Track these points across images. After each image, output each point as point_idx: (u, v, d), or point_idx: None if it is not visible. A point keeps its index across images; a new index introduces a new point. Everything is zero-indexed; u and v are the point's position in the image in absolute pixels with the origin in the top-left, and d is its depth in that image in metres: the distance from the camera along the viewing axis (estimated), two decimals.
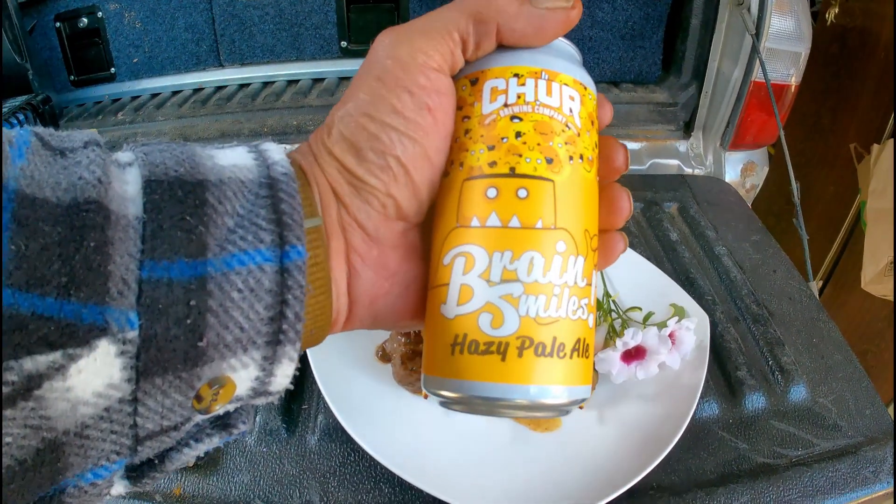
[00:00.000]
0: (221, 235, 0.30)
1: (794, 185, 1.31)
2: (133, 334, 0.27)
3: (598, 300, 0.94)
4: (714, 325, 0.98)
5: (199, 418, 0.32)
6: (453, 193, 0.38)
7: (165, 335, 0.28)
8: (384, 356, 0.87)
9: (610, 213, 0.41)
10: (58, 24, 1.76)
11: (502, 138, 0.37)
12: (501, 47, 0.39)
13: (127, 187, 0.29)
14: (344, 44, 1.78)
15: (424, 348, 0.39)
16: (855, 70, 2.10)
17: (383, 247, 0.38)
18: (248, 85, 1.81)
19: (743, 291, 1.08)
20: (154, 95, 1.82)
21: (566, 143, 0.38)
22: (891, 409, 1.98)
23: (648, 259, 1.07)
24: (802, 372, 0.93)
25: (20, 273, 0.25)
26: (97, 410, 0.27)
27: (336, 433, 0.81)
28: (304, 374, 0.88)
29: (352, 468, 0.79)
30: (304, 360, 0.85)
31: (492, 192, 0.37)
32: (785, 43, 1.41)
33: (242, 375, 0.31)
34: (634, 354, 0.84)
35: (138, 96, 1.83)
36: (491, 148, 0.37)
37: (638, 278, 1.01)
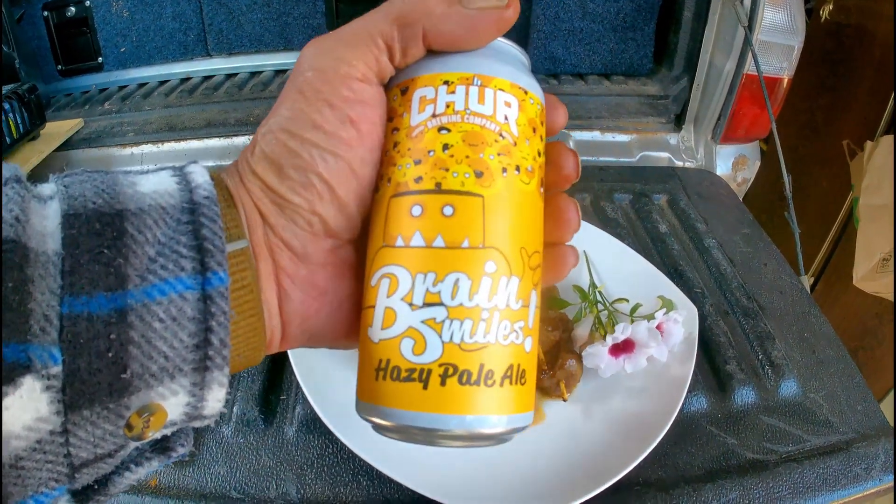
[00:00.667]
0: (142, 265, 0.30)
1: (787, 177, 1.30)
2: (57, 369, 0.27)
3: (583, 291, 0.92)
4: (703, 318, 0.96)
5: (133, 444, 0.32)
6: (381, 210, 0.36)
7: (89, 369, 0.28)
8: None
9: (557, 226, 0.39)
10: (45, 14, 1.75)
11: (429, 151, 0.35)
12: (434, 53, 0.37)
13: (46, 222, 0.29)
14: None
15: (357, 371, 0.37)
16: (849, 67, 2.10)
17: (312, 265, 0.37)
18: (236, 75, 1.80)
19: (733, 284, 1.06)
20: (141, 85, 1.81)
21: (499, 154, 0.35)
22: (885, 405, 1.98)
23: (636, 251, 1.06)
24: (793, 366, 0.91)
25: None
26: (29, 443, 0.27)
27: (314, 424, 0.80)
28: (282, 364, 0.87)
29: (329, 460, 0.77)
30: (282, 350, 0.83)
31: (417, 210, 0.35)
32: (778, 36, 1.40)
33: (173, 402, 0.31)
34: (623, 348, 0.82)
35: (126, 86, 1.82)
36: (418, 162, 0.35)
37: (625, 269, 1.00)
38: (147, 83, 1.81)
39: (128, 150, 1.55)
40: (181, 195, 0.32)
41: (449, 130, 0.35)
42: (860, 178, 1.81)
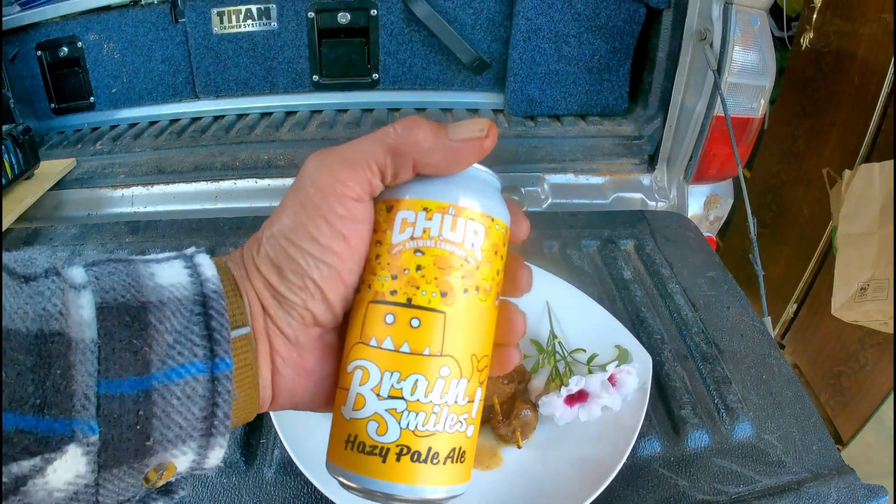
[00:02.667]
0: (162, 351, 0.37)
1: (751, 220, 1.35)
2: (94, 438, 0.34)
3: (540, 345, 0.99)
4: (660, 365, 1.01)
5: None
6: (360, 311, 0.43)
7: (120, 437, 0.35)
8: None
9: (506, 332, 0.47)
10: (39, 53, 1.82)
11: (405, 269, 0.42)
12: (419, 175, 0.43)
13: (83, 312, 0.36)
14: (316, 77, 1.84)
15: (329, 436, 0.44)
16: (830, 92, 2.15)
17: (302, 350, 0.44)
18: (223, 117, 1.87)
19: (693, 329, 1.11)
20: (132, 125, 1.88)
21: (463, 277, 0.43)
22: (871, 426, 2.00)
23: (601, 297, 1.11)
24: (749, 409, 0.95)
25: (3, 396, 0.31)
26: (68, 494, 0.34)
27: (291, 467, 0.84)
28: None
29: (306, 499, 0.82)
30: None
31: (390, 318, 0.42)
32: (748, 77, 1.45)
33: (182, 460, 0.38)
34: (577, 398, 0.88)
35: (117, 125, 1.89)
36: (394, 277, 0.42)
37: (585, 320, 1.05)
38: (137, 123, 1.88)
39: (119, 192, 1.62)
40: (193, 287, 0.40)
41: (423, 253, 0.42)
42: (839, 205, 1.84)
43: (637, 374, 0.90)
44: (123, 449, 0.35)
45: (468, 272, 0.43)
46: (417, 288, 0.42)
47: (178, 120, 1.87)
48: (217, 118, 1.86)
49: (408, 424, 0.41)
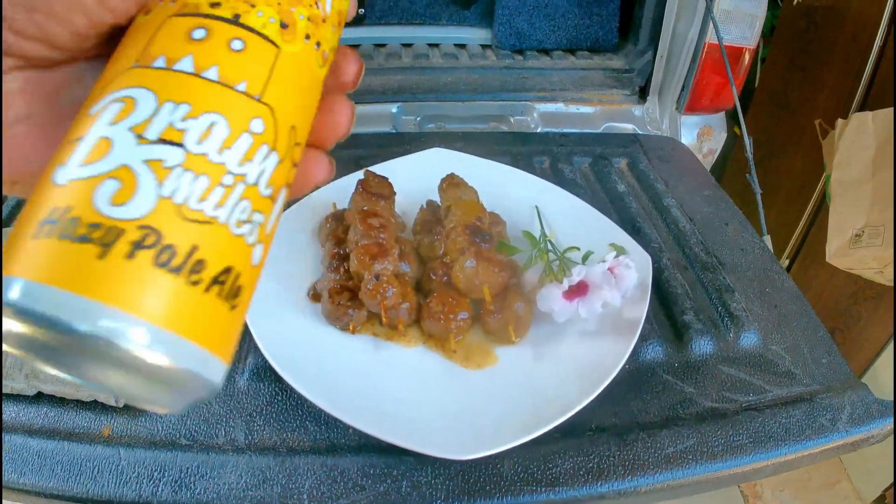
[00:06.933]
0: None
1: (747, 140, 1.28)
2: None
3: (533, 238, 0.90)
4: (660, 271, 0.94)
5: None
6: (146, 29, 0.28)
7: None
8: (315, 296, 0.83)
9: (324, 125, 0.34)
10: None
11: None
12: None
13: None
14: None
15: (13, 232, 0.25)
16: (821, 45, 2.09)
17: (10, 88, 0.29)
18: None
19: (692, 240, 1.03)
20: None
21: (308, 20, 0.30)
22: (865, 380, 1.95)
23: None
24: (754, 319, 0.88)
25: None
26: None
27: (264, 373, 0.78)
28: None
29: (278, 407, 0.75)
30: None
31: (199, 33, 0.27)
32: (741, 4, 1.37)
33: None
34: (577, 290, 0.80)
35: None
36: None
37: (578, 221, 0.97)
38: None
39: None
40: None
41: None
42: (832, 155, 1.79)
43: (635, 269, 0.82)
44: None
45: (315, 17, 0.31)
46: (253, 6, 0.28)
47: None
48: None
49: (174, 192, 0.24)
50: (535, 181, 1.06)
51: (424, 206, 0.96)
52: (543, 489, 0.68)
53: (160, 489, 0.68)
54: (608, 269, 0.80)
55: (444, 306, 0.78)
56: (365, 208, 0.84)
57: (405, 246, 0.86)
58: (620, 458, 0.71)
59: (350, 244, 0.83)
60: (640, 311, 0.81)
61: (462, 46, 1.73)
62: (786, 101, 2.29)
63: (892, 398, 0.78)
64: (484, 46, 1.74)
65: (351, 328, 0.79)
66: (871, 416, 0.76)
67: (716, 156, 1.60)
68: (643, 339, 0.82)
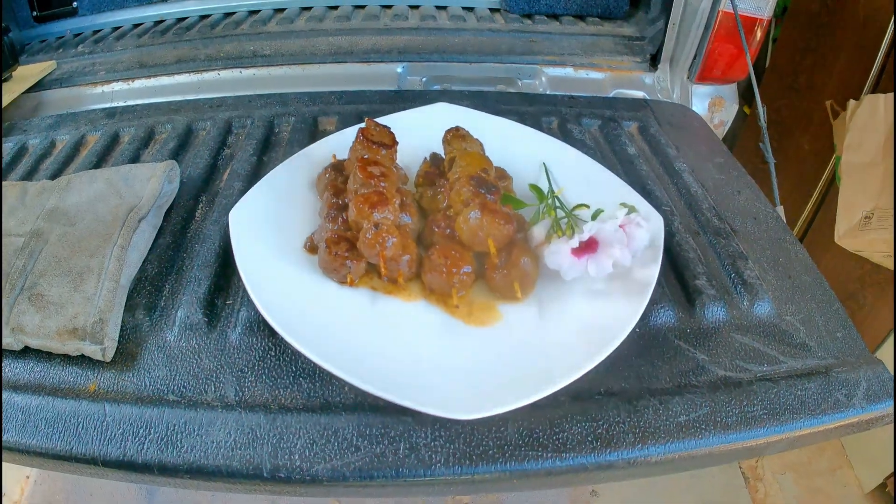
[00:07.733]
0: None
1: (761, 108, 1.23)
2: None
3: (541, 192, 0.86)
4: (671, 235, 0.90)
5: None
6: None
7: None
8: (312, 248, 0.80)
9: None
10: None
11: None
12: None
13: None
14: None
15: None
16: (833, 27, 2.05)
17: None
18: (209, 16, 1.71)
19: (704, 206, 0.99)
20: (115, 29, 1.72)
21: None
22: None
23: None
24: (767, 288, 0.85)
25: None
26: None
27: (258, 327, 0.74)
28: (230, 268, 0.81)
29: (271, 363, 0.72)
30: (230, 254, 0.79)
31: None
32: None
33: None
34: (587, 247, 0.76)
35: (100, 30, 1.73)
36: None
37: (587, 179, 0.93)
38: (121, 27, 1.72)
39: (98, 89, 1.47)
40: None
41: None
42: (843, 137, 1.76)
43: (647, 229, 0.78)
44: None
45: None
46: None
47: (162, 21, 1.72)
48: (203, 17, 1.71)
49: None
50: (543, 138, 1.02)
51: (428, 158, 0.91)
52: (550, 455, 0.64)
53: (146, 447, 0.65)
54: (619, 226, 0.75)
55: (447, 259, 0.74)
56: (365, 156, 0.80)
57: (406, 197, 0.83)
58: (630, 425, 0.67)
59: (349, 193, 0.80)
60: (652, 272, 0.77)
61: (470, 10, 1.68)
62: (796, 83, 2.25)
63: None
64: (493, 10, 1.69)
65: (349, 281, 0.76)
66: (888, 393, 0.73)
67: (727, 128, 1.56)
68: (653, 302, 0.78)
